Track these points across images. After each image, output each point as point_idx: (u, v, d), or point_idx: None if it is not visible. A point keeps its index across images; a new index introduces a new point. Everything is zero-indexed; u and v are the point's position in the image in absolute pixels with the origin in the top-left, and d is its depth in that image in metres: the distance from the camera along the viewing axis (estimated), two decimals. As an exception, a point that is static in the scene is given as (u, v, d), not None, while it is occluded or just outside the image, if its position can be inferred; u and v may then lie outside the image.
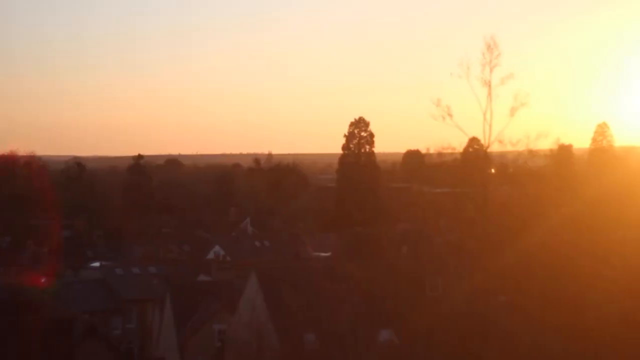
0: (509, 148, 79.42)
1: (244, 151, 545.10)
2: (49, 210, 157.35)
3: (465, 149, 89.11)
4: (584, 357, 55.78)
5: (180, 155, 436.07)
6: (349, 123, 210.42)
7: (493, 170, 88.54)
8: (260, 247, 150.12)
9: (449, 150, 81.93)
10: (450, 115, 76.18)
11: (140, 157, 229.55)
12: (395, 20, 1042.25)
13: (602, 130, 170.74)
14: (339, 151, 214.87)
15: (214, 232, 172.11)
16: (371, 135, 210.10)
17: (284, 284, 77.30)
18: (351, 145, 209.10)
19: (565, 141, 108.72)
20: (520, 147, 79.18)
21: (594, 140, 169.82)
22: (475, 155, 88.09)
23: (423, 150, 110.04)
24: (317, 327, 68.18)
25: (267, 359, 67.57)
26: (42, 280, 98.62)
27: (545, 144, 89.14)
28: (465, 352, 57.43)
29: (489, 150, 79.79)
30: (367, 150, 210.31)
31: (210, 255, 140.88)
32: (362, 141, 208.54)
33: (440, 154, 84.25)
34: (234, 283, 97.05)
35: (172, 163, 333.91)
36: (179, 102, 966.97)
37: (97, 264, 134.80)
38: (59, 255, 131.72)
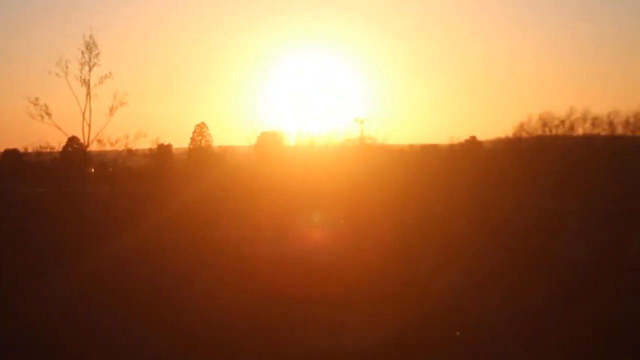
0: (108, 147, 79.24)
1: None
2: None
3: (65, 149, 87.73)
4: (183, 357, 56.52)
5: None
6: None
7: (93, 170, 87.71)
8: None
9: (48, 150, 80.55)
10: (48, 114, 74.87)
11: None
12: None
13: (200, 130, 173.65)
14: None
15: None
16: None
17: None
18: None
19: (165, 140, 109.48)
20: (120, 147, 79.31)
21: (192, 140, 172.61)
22: (74, 154, 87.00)
23: (22, 150, 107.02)
24: None
25: None
26: None
27: (145, 144, 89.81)
28: (63, 352, 56.50)
29: (88, 149, 79.13)
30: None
31: None
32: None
33: (39, 153, 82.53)
34: None
35: None
36: None
37: None
38: None
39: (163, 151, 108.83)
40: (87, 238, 72.20)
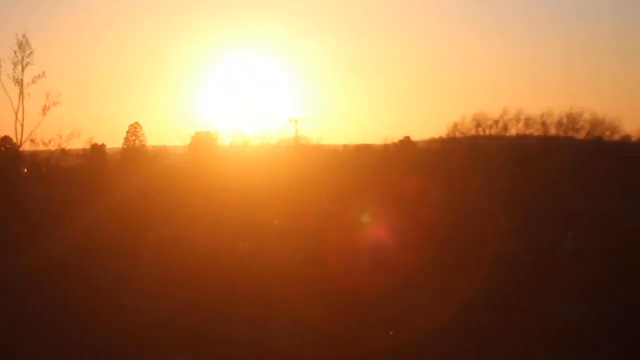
0: (41, 147, 78.55)
1: None
2: None
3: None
4: (126, 354, 56.25)
5: None
6: None
7: (25, 170, 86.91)
8: None
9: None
10: (-18, 114, 74.18)
11: None
12: None
13: (134, 130, 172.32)
14: None
15: None
16: None
17: None
18: None
19: (99, 140, 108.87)
20: (53, 147, 78.65)
21: (126, 139, 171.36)
22: (7, 154, 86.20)
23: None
24: None
25: None
26: None
27: (78, 144, 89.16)
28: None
29: (21, 149, 78.38)
30: None
31: None
32: None
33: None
34: None
35: None
36: None
37: None
38: None
39: (96, 151, 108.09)
40: (23, 237, 71.70)
